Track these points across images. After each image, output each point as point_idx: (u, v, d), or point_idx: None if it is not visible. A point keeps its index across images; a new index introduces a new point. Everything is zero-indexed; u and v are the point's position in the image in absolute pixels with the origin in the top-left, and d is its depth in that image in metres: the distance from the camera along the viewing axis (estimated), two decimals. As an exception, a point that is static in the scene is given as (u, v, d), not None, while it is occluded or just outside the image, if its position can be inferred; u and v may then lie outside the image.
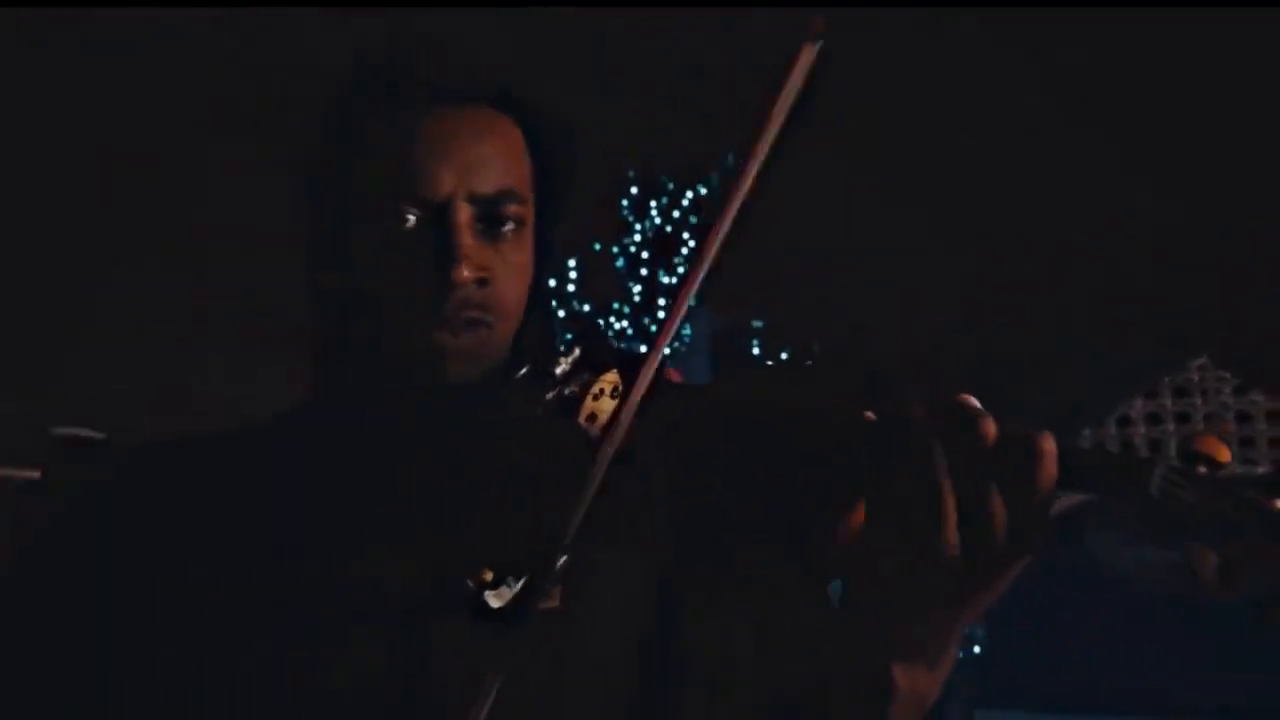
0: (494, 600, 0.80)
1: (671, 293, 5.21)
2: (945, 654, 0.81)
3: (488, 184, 0.96)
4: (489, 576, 0.80)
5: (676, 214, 5.57)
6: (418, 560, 0.88)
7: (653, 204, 5.58)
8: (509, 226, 0.97)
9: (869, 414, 0.79)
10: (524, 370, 0.94)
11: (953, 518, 0.75)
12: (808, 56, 0.81)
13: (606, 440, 0.80)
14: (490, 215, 0.97)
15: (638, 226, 5.56)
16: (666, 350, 0.85)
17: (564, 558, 0.79)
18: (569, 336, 0.97)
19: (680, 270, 5.36)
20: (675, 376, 0.95)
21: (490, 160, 0.96)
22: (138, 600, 0.92)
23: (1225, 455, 0.79)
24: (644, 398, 0.81)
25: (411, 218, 0.95)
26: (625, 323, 5.30)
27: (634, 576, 0.92)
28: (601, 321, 5.11)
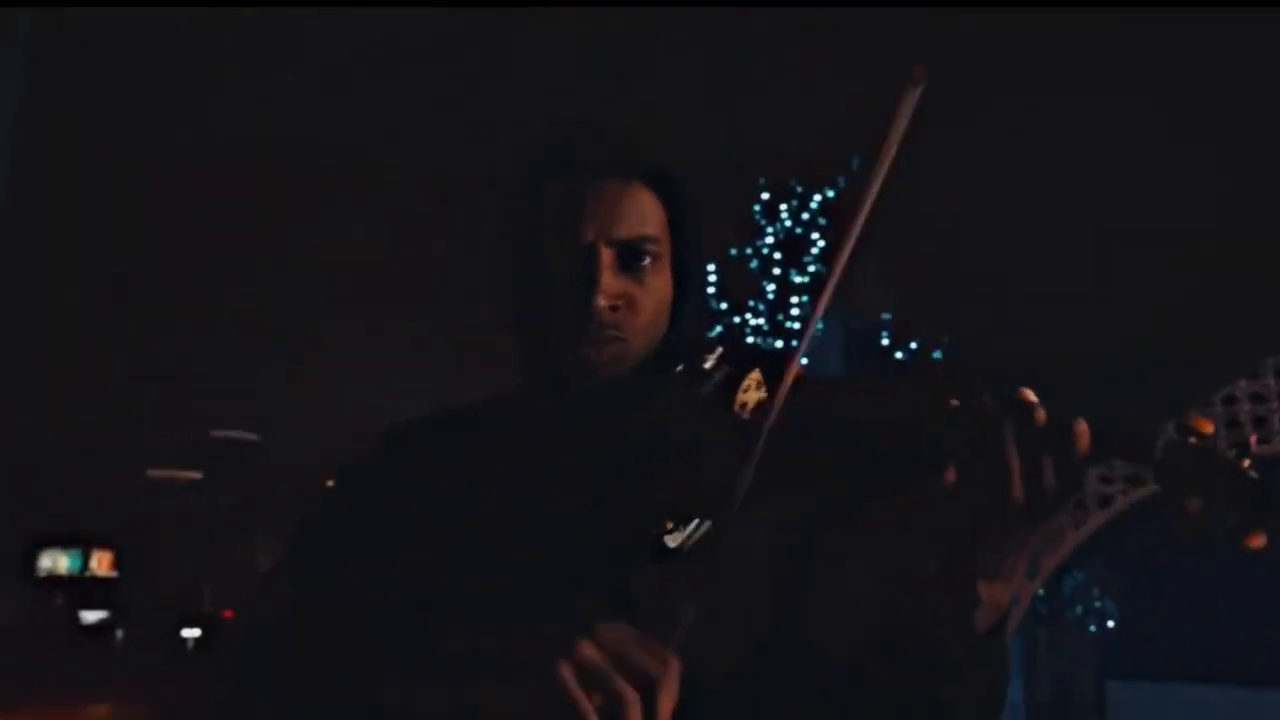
0: (671, 542, 1.06)
1: (802, 291, 5.40)
2: (1013, 573, 1.09)
3: (623, 232, 1.27)
4: (669, 525, 1.06)
5: (805, 216, 5.75)
6: (614, 516, 1.09)
7: (783, 207, 5.74)
8: (645, 261, 1.20)
9: (954, 402, 1.04)
10: (679, 368, 1.18)
11: (1017, 477, 1.01)
12: (910, 101, 1.01)
13: (761, 423, 1.05)
14: (628, 253, 1.27)
15: (769, 229, 5.76)
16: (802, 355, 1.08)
17: (725, 513, 1.06)
18: (710, 338, 1.21)
19: (810, 269, 5.53)
20: (801, 371, 1.15)
21: (625, 215, 1.27)
22: (406, 539, 1.18)
23: (1208, 428, 1.03)
24: (790, 389, 1.06)
25: (567, 260, 1.24)
26: (761, 319, 5.49)
27: (778, 526, 1.16)
28: (738, 319, 5.35)
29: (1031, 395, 1.05)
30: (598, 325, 1.26)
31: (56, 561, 56.33)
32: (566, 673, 1.04)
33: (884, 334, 5.54)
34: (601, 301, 1.25)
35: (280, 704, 1.24)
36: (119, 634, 42.86)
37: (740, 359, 1.19)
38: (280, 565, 1.32)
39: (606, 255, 1.26)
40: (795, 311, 5.37)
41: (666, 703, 1.04)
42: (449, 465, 1.29)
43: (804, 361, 1.19)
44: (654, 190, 1.31)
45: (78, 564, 57.39)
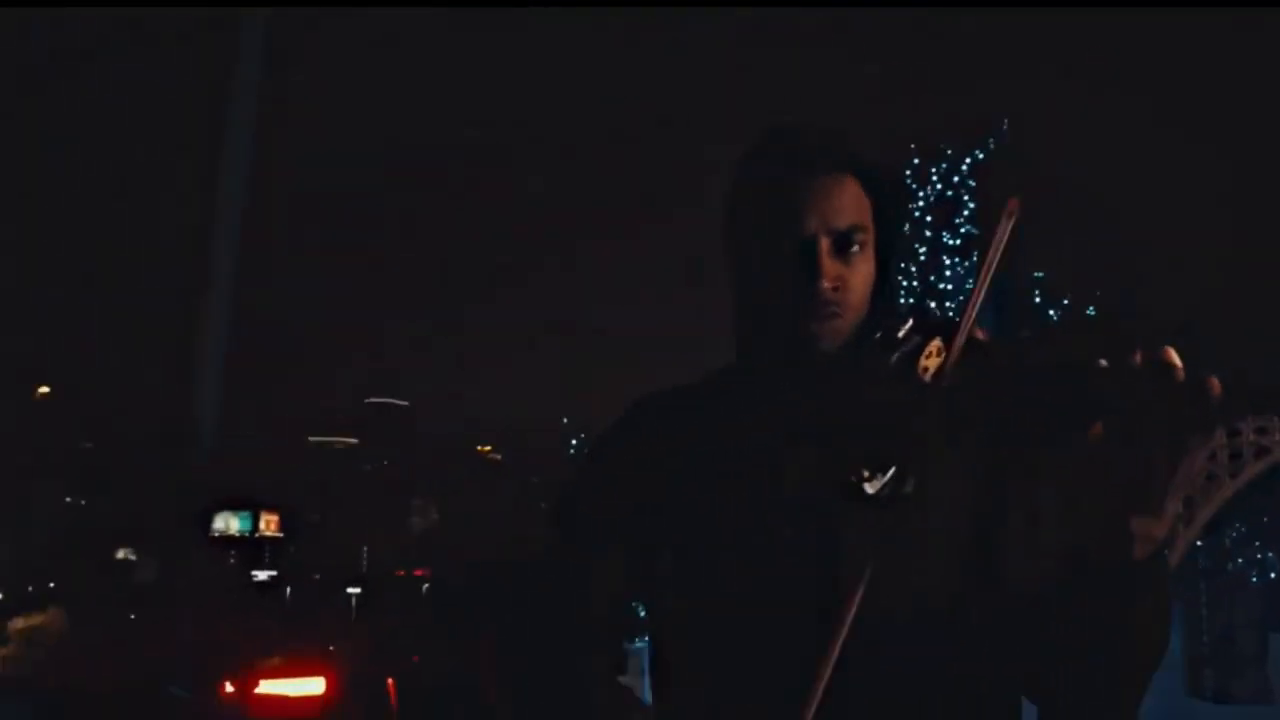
0: (869, 488, 1.23)
1: (954, 252, 5.43)
2: (1162, 509, 1.24)
3: (839, 222, 1.46)
4: (866, 474, 1.23)
5: (955, 179, 5.73)
6: (820, 464, 1.31)
7: (933, 171, 5.76)
8: (855, 249, 1.39)
9: (1103, 361, 1.18)
10: (878, 336, 1.38)
11: (1158, 427, 1.17)
12: (1005, 227, 1.28)
13: (940, 384, 1.25)
14: (842, 242, 1.47)
15: (920, 193, 5.78)
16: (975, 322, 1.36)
17: (920, 455, 1.24)
18: (904, 310, 1.42)
19: (961, 230, 5.53)
20: (982, 335, 1.37)
21: (840, 208, 1.47)
22: (656, 498, 1.39)
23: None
24: (962, 354, 1.27)
25: (792, 248, 1.44)
26: (914, 281, 5.54)
27: (966, 472, 1.37)
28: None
29: (1173, 356, 1.17)
30: (820, 304, 1.46)
31: (229, 523, 59.56)
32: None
33: (1036, 292, 5.53)
34: (825, 284, 1.45)
35: (546, 632, 1.46)
36: (288, 591, 45.07)
37: (927, 328, 1.37)
38: (552, 515, 1.54)
39: (825, 243, 1.46)
40: (947, 273, 5.43)
41: (840, 631, 1.26)
42: (688, 429, 1.49)
43: (979, 332, 1.36)
44: (862, 183, 1.50)
45: (248, 526, 60.56)
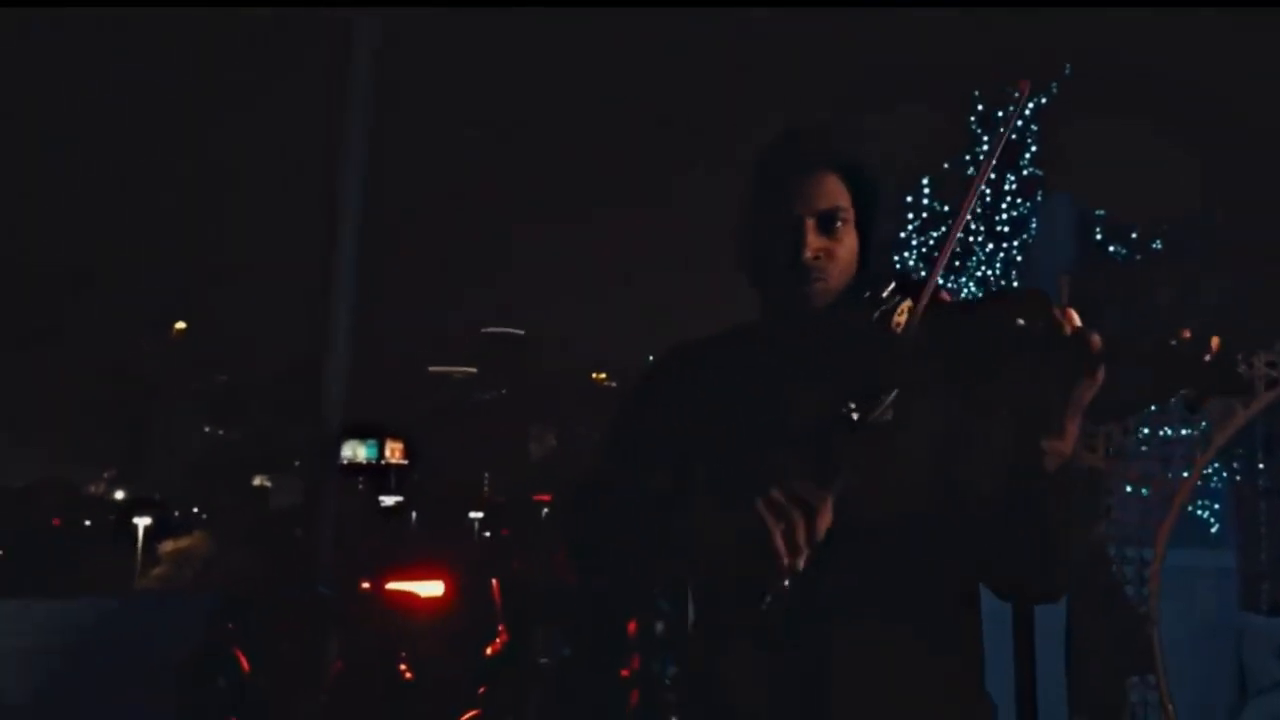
0: (855, 414, 1.54)
1: (1016, 194, 5.61)
2: (1072, 429, 1.55)
3: (822, 205, 1.74)
4: (853, 405, 1.54)
5: (1019, 123, 5.91)
6: (821, 398, 1.60)
7: (999, 113, 5.94)
8: (838, 225, 1.74)
9: (1020, 321, 1.51)
10: (867, 295, 1.65)
11: (1066, 371, 1.47)
12: (1016, 113, 1.54)
13: (909, 335, 1.56)
14: (826, 221, 1.74)
15: (985, 137, 5.96)
16: (941, 282, 1.62)
17: (894, 391, 1.54)
18: (889, 272, 1.70)
19: (1025, 172, 5.71)
20: (946, 298, 1.65)
21: (821, 194, 1.75)
22: (688, 426, 1.77)
23: (1185, 334, 1.47)
24: (924, 312, 1.56)
25: (783, 227, 1.75)
26: (980, 224, 5.76)
27: (931, 403, 1.65)
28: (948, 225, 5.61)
29: (1068, 317, 1.50)
30: (806, 270, 1.73)
31: (356, 451, 61.89)
32: (761, 505, 1.55)
33: (1097, 230, 5.61)
34: (808, 254, 1.73)
35: (603, 528, 1.88)
36: (413, 515, 46.53)
37: (906, 289, 1.64)
38: (605, 436, 1.93)
39: (810, 223, 1.74)
40: (1012, 214, 5.60)
41: (822, 525, 1.55)
42: (715, 368, 1.84)
43: (943, 287, 1.70)
44: (841, 174, 1.79)
45: (374, 453, 62.87)
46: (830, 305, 1.73)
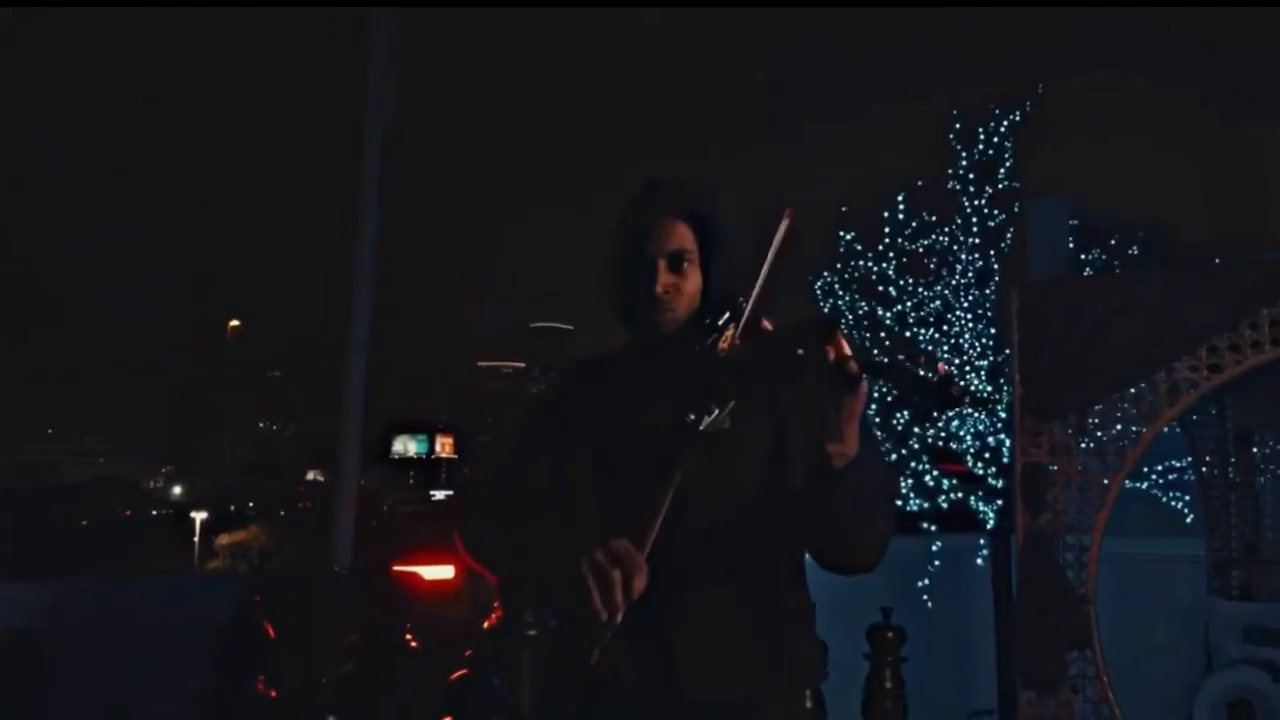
0: (698, 424, 1.83)
1: (995, 202, 5.94)
2: (849, 435, 1.80)
3: (671, 247, 2.09)
4: (692, 415, 1.83)
5: (996, 139, 6.24)
6: (670, 408, 1.87)
7: (980, 130, 6.26)
8: (685, 265, 2.11)
9: (800, 351, 1.77)
10: (706, 322, 1.93)
11: (833, 390, 1.76)
12: (781, 233, 1.89)
13: (732, 357, 1.86)
14: (674, 261, 2.03)
15: (963, 153, 6.28)
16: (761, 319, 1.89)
17: (730, 403, 1.83)
18: (724, 302, 1.94)
19: (1001, 185, 6.05)
20: (768, 326, 1.91)
21: (673, 238, 2.09)
22: (569, 427, 2.04)
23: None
24: (744, 339, 1.86)
25: (640, 265, 2.03)
26: (969, 236, 6.09)
27: (758, 416, 1.94)
28: (935, 235, 5.95)
29: (835, 346, 1.74)
30: (657, 302, 1.99)
31: (407, 446, 63.13)
32: (584, 566, 1.74)
33: (1114, 237, 5.87)
34: (659, 289, 1.99)
35: (494, 520, 2.26)
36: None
37: (736, 317, 1.91)
38: (512, 432, 2.30)
39: (661, 263, 2.01)
40: (990, 223, 5.93)
41: (638, 585, 1.72)
42: (595, 383, 2.10)
43: (766, 322, 1.90)
44: (689, 223, 2.07)
45: (424, 448, 64.01)
46: (678, 331, 2.01)
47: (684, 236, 2.05)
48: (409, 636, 3.26)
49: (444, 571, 3.81)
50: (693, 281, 2.04)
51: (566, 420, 2.09)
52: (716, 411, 1.84)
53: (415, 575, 3.64)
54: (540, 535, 1.92)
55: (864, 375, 1.77)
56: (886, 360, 1.84)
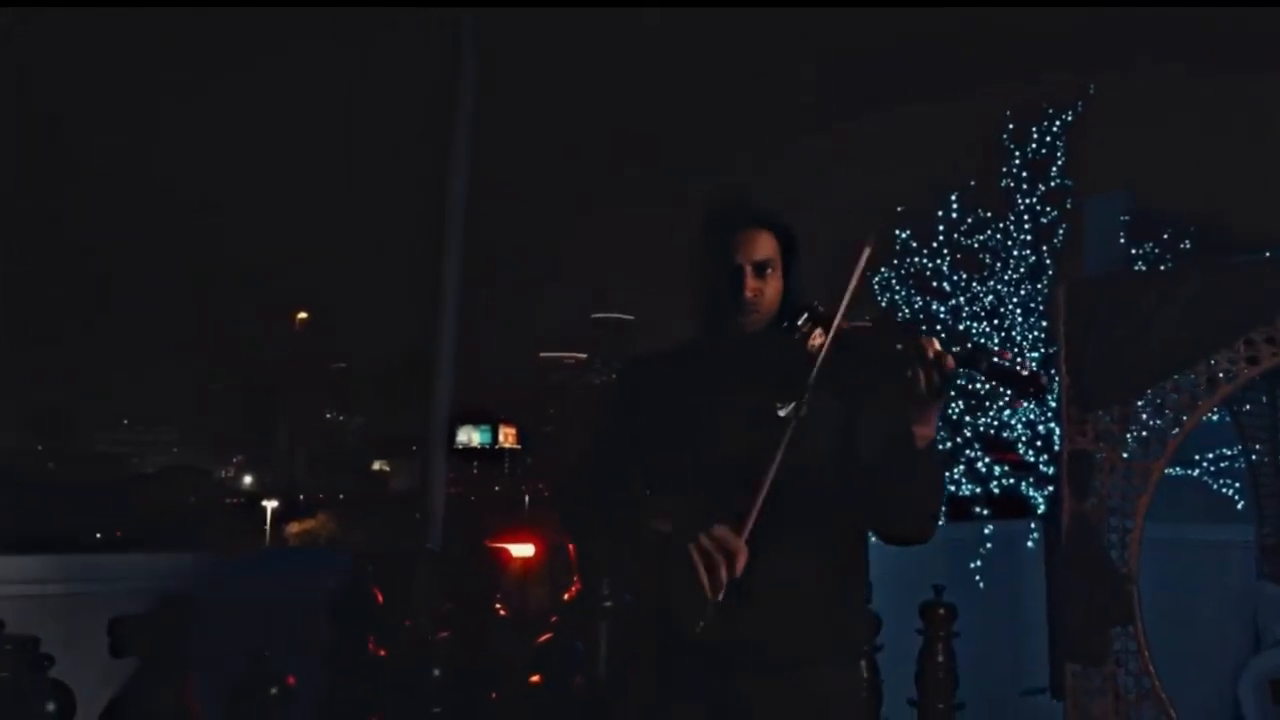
0: (781, 413, 2.03)
1: (1048, 200, 6.10)
2: (933, 419, 2.08)
3: (757, 256, 2.24)
4: (779, 405, 2.04)
5: (1049, 138, 6.40)
6: (757, 399, 2.09)
7: (1033, 130, 6.42)
8: (768, 271, 2.24)
9: (898, 346, 2.02)
10: (785, 324, 2.18)
11: (926, 380, 1.98)
12: (859, 265, 2.09)
13: (818, 356, 2.07)
14: (759, 268, 2.22)
15: (1017, 152, 6.45)
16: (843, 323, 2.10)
17: (808, 394, 2.03)
18: (804, 305, 2.18)
19: (1053, 183, 6.20)
20: (845, 326, 2.10)
21: (759, 248, 2.25)
22: (654, 417, 2.24)
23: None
24: (831, 341, 2.07)
25: (729, 273, 2.23)
26: (1022, 232, 6.27)
27: (835, 402, 2.13)
28: (989, 231, 6.14)
29: (929, 343, 1.98)
30: (744, 306, 2.17)
31: (471, 436, 63.89)
32: (691, 550, 1.97)
33: (1168, 229, 5.92)
34: (747, 294, 2.18)
35: (584, 526, 2.35)
36: (526, 498, 47.76)
37: (816, 319, 2.11)
38: (595, 422, 2.41)
39: (749, 269, 2.20)
40: (1042, 220, 6.08)
41: (739, 566, 1.94)
42: (669, 379, 2.26)
43: (845, 323, 2.08)
44: (772, 232, 2.25)
45: (488, 438, 64.74)
46: (759, 331, 2.21)
47: (768, 245, 2.25)
48: (499, 606, 3.60)
49: (527, 549, 4.15)
50: (774, 286, 2.24)
51: (651, 410, 2.26)
52: (802, 402, 2.03)
53: (505, 551, 3.97)
54: (631, 519, 2.15)
55: (958, 368, 2.01)
56: (978, 355, 2.05)
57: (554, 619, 3.45)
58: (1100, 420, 4.31)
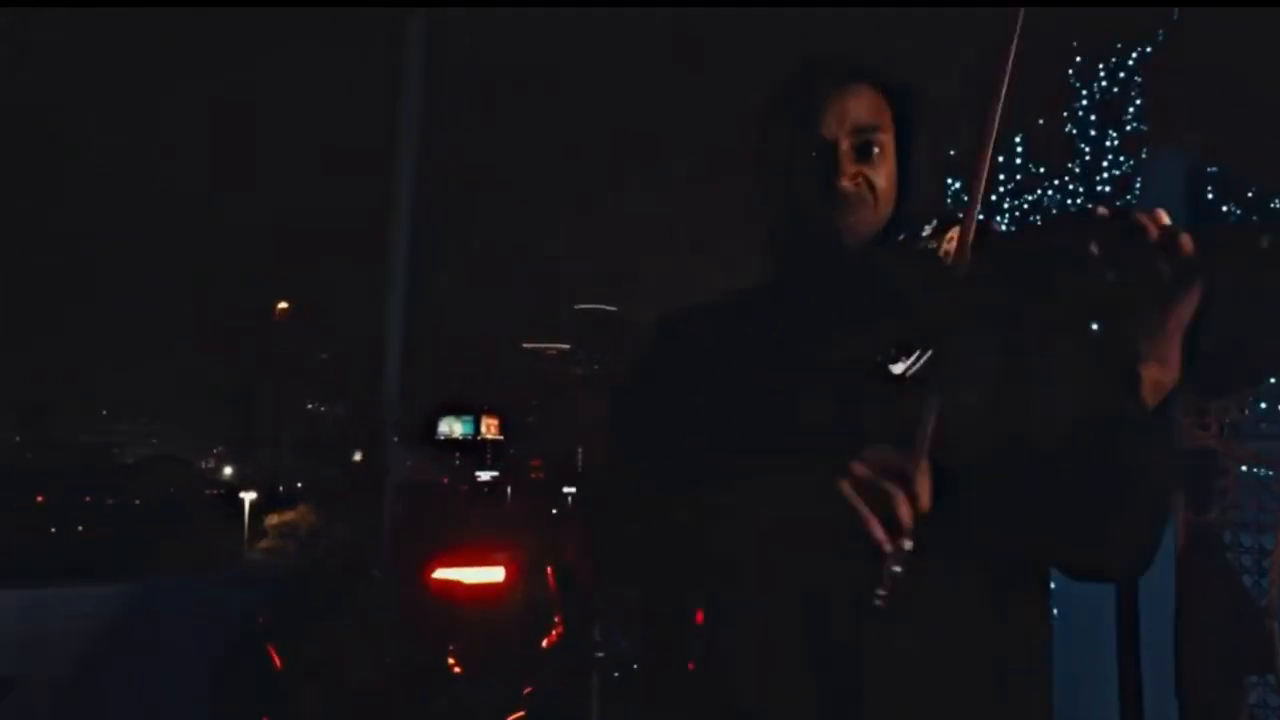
0: (896, 368, 1.35)
1: (1118, 151, 5.24)
2: (1167, 358, 1.29)
3: (856, 123, 1.48)
4: (894, 353, 1.36)
5: (1122, 74, 5.53)
6: (861, 344, 1.39)
7: (1100, 67, 5.56)
8: (875, 150, 1.47)
9: (1094, 249, 1.24)
10: (902, 237, 1.43)
11: (1164, 268, 1.18)
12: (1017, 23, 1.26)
13: (956, 265, 1.32)
14: (862, 143, 1.48)
15: (1084, 91, 5.59)
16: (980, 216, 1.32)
17: (943, 336, 1.34)
18: (930, 211, 1.45)
19: (1128, 128, 5.33)
20: (990, 226, 1.39)
21: (856, 111, 1.49)
22: (698, 386, 1.50)
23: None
24: (970, 243, 1.30)
25: (815, 149, 1.49)
26: (1078, 184, 5.42)
27: (985, 350, 1.42)
28: (1056, 181, 5.29)
29: (1159, 217, 1.24)
30: (842, 198, 1.48)
31: (453, 427, 63.10)
32: (844, 486, 1.27)
33: (1209, 189, 5.20)
34: (845, 181, 1.47)
35: (632, 552, 1.60)
36: (509, 490, 47.21)
37: (948, 222, 1.42)
38: (613, 437, 1.61)
39: (845, 144, 1.49)
40: (1115, 172, 5.23)
41: (924, 494, 1.27)
42: (725, 343, 1.52)
43: (980, 218, 1.39)
44: (882, 92, 1.53)
45: (470, 429, 63.97)
46: (864, 244, 1.47)
47: (875, 108, 1.50)
48: (451, 660, 2.65)
49: (491, 574, 3.18)
50: (885, 171, 1.48)
51: (696, 399, 1.49)
52: (928, 349, 1.33)
53: (455, 583, 3.02)
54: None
55: (1205, 254, 1.20)
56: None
57: (527, 689, 2.52)
58: (1229, 410, 3.42)
